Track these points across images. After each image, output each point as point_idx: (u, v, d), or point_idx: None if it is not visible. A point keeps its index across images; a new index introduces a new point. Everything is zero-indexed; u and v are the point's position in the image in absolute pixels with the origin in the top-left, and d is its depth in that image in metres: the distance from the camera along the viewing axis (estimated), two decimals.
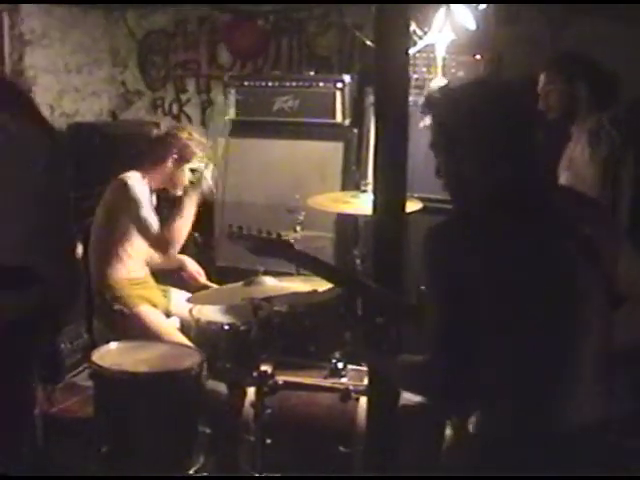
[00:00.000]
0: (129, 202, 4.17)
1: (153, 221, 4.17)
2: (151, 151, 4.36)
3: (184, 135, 4.38)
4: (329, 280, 3.02)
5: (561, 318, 2.09)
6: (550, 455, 2.06)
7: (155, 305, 4.35)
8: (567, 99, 3.91)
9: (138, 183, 4.23)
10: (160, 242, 4.19)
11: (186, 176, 4.35)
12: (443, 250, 2.15)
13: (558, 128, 3.85)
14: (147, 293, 4.36)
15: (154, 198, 4.37)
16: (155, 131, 4.75)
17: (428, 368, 2.15)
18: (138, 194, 4.17)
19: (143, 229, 4.18)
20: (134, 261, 4.35)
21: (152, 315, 4.29)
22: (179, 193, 4.37)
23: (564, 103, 3.91)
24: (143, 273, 4.43)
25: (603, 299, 2.15)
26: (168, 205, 4.50)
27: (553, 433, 2.07)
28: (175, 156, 4.30)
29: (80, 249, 5.14)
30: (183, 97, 6.36)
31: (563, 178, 3.80)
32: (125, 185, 4.18)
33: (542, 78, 3.99)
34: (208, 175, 4.35)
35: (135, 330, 4.20)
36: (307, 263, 2.96)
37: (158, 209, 4.35)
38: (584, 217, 2.19)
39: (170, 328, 4.30)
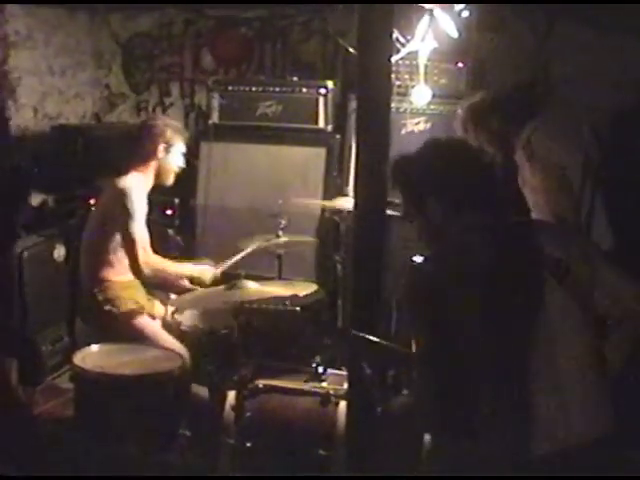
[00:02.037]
0: (124, 212, 4.19)
1: (140, 238, 4.20)
2: (141, 147, 4.39)
3: (161, 122, 4.50)
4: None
5: (539, 343, 2.19)
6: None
7: (142, 307, 4.36)
8: (495, 140, 3.94)
9: (137, 189, 4.26)
10: (136, 268, 4.25)
11: (178, 161, 4.43)
12: (424, 287, 2.30)
13: (507, 164, 3.88)
14: (135, 295, 4.36)
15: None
16: (134, 130, 4.76)
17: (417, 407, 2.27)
18: (135, 205, 4.20)
19: (129, 244, 4.21)
20: (124, 265, 4.35)
21: (141, 317, 4.30)
22: (170, 181, 4.42)
23: (497, 144, 3.94)
24: (132, 276, 4.43)
25: (583, 320, 2.26)
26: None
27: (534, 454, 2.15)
28: (163, 144, 4.35)
29: (62, 251, 5.17)
30: (167, 100, 6.35)
31: (533, 201, 3.82)
32: (124, 194, 4.20)
33: (470, 138, 4.02)
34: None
35: (124, 331, 4.21)
36: None
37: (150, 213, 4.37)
38: (554, 243, 2.33)
39: (158, 329, 4.31)
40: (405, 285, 2.33)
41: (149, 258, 4.24)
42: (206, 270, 4.42)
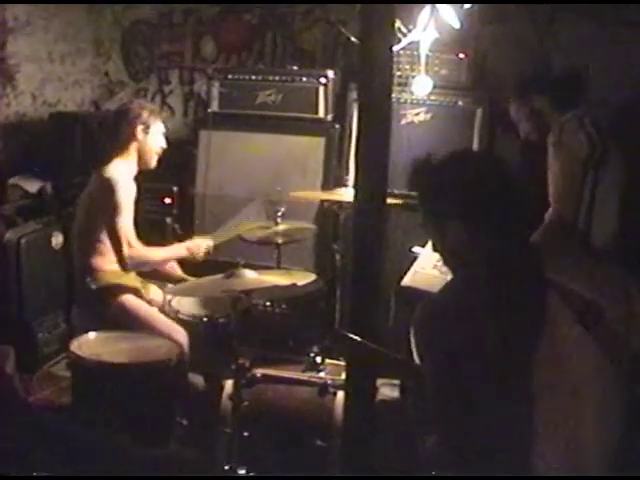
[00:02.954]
0: (111, 205, 4.17)
1: (125, 233, 4.19)
2: (119, 132, 4.38)
3: (136, 104, 4.51)
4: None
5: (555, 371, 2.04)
6: None
7: (137, 292, 4.35)
8: (534, 118, 3.91)
9: (123, 177, 4.24)
10: (122, 261, 4.24)
11: (159, 141, 4.42)
12: (437, 325, 2.12)
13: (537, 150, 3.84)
14: (128, 283, 4.35)
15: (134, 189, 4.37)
16: (110, 116, 4.75)
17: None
18: (120, 199, 4.18)
19: (114, 238, 4.21)
20: (112, 252, 4.33)
21: (135, 303, 4.30)
22: (154, 164, 4.41)
23: (534, 123, 3.91)
24: None
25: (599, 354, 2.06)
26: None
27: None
28: (141, 125, 4.35)
29: (60, 238, 5.16)
30: (166, 88, 6.33)
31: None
32: (109, 187, 4.18)
33: (512, 107, 3.99)
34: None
35: (119, 318, 4.20)
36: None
37: (138, 201, 4.35)
38: (582, 280, 2.14)
39: (154, 313, 4.30)
40: (417, 324, 2.16)
41: (133, 252, 4.21)
42: (199, 242, 4.43)
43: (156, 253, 4.38)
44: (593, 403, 2.03)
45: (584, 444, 2.02)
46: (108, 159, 4.31)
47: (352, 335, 2.61)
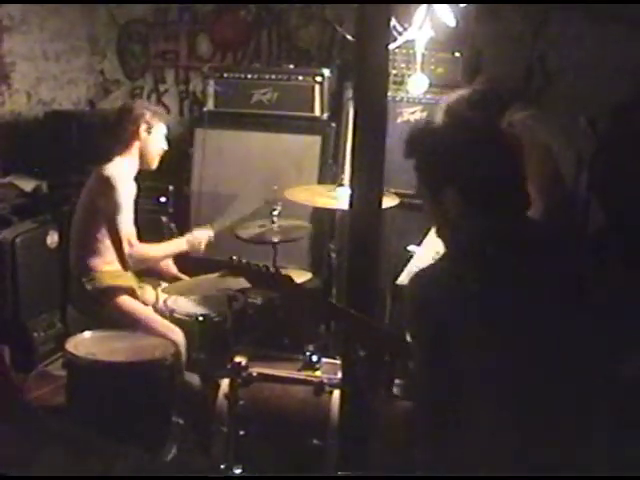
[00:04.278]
0: (109, 205, 4.17)
1: (126, 231, 4.19)
2: (122, 130, 4.37)
3: (139, 105, 4.52)
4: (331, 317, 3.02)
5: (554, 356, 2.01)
6: None
7: (133, 293, 4.34)
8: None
9: (123, 176, 4.24)
10: (122, 260, 4.25)
11: (161, 142, 4.42)
12: (429, 295, 2.08)
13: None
14: (124, 283, 4.34)
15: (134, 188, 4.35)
16: (113, 115, 4.74)
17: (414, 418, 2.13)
18: (121, 197, 4.17)
19: (114, 237, 4.20)
20: (111, 252, 4.33)
21: (131, 304, 4.29)
22: (155, 164, 4.40)
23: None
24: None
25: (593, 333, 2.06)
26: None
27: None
28: (144, 125, 4.35)
29: (55, 237, 5.15)
30: (162, 87, 6.32)
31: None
32: (109, 185, 4.17)
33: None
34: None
35: (115, 318, 4.20)
36: (305, 299, 2.96)
37: (137, 199, 4.34)
38: (566, 249, 2.14)
39: (150, 313, 4.30)
40: (409, 292, 2.13)
41: (134, 251, 4.21)
42: (199, 233, 4.42)
43: (156, 250, 4.38)
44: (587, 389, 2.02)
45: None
46: (108, 157, 4.30)
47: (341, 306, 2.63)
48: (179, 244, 4.42)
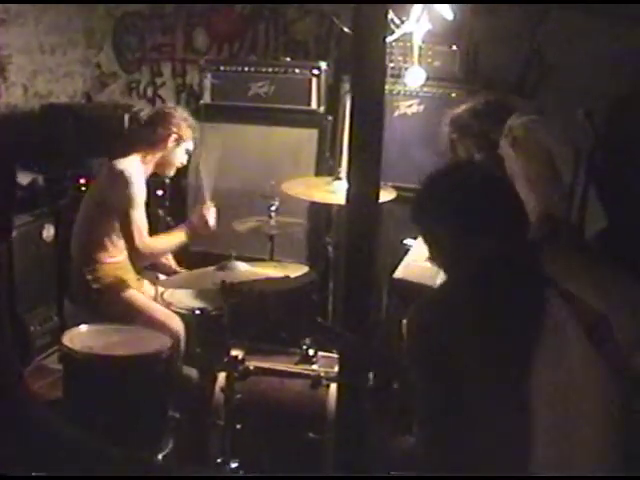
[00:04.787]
0: (124, 199, 4.14)
1: (139, 227, 4.17)
2: (152, 133, 4.33)
3: (179, 114, 4.43)
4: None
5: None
6: None
7: (133, 287, 4.34)
8: (478, 142, 3.91)
9: (137, 172, 4.21)
10: (134, 255, 4.24)
11: (183, 157, 4.40)
12: (430, 324, 2.07)
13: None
14: (125, 275, 4.34)
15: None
16: (146, 112, 4.71)
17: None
18: (137, 191, 4.15)
19: (127, 231, 4.17)
20: (116, 247, 4.32)
21: (132, 294, 4.30)
22: (171, 174, 4.39)
23: (479, 144, 3.90)
24: (122, 257, 4.38)
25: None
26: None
27: None
28: (175, 135, 4.30)
29: (51, 230, 5.14)
30: (158, 80, 6.31)
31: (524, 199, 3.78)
32: (124, 179, 4.14)
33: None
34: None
35: (114, 309, 4.20)
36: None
37: (148, 197, 4.32)
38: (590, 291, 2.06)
39: (150, 303, 4.30)
40: (410, 323, 2.12)
41: (145, 245, 4.19)
42: (199, 212, 4.35)
43: (163, 241, 4.33)
44: (593, 418, 1.97)
45: (580, 458, 1.96)
46: (125, 153, 4.27)
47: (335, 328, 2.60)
48: (180, 234, 4.35)
